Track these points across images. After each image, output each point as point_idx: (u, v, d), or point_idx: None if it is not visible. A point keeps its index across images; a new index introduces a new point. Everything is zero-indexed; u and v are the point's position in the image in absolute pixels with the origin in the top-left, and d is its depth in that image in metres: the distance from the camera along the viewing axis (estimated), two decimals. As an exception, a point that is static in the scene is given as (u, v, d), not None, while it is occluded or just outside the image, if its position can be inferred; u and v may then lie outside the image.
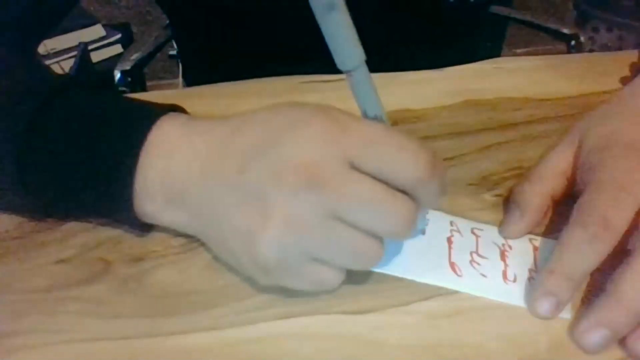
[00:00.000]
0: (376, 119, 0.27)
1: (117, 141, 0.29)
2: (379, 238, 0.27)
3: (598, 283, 0.28)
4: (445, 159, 0.38)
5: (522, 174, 0.37)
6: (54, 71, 0.34)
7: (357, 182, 0.25)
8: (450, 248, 0.32)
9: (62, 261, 0.31)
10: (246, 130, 0.28)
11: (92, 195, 0.30)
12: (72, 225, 0.33)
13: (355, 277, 0.30)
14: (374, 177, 0.26)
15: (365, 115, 0.27)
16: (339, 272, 0.27)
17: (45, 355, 0.27)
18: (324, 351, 0.27)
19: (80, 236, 0.33)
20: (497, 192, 0.36)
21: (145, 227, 0.32)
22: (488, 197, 0.35)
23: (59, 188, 0.30)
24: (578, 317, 0.28)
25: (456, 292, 0.29)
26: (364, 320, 0.28)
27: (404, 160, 0.26)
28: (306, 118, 0.27)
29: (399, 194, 0.26)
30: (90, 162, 0.29)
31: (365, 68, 0.26)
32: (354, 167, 0.25)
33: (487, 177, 0.37)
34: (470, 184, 0.36)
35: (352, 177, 0.25)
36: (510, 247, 0.32)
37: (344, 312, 0.28)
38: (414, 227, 0.26)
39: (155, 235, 0.33)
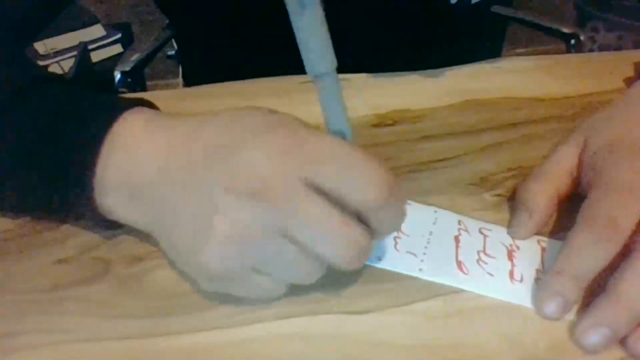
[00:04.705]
0: (339, 132, 0.26)
1: (80, 134, 0.29)
2: (322, 261, 0.26)
3: (599, 283, 0.28)
4: (444, 159, 0.38)
5: (522, 174, 0.37)
6: (40, 67, 0.34)
7: (307, 200, 0.24)
8: (457, 247, 0.32)
9: (62, 261, 0.31)
10: (208, 132, 0.27)
11: (54, 189, 0.30)
12: (72, 226, 0.33)
13: (355, 277, 0.30)
14: (329, 197, 0.24)
15: (328, 126, 0.26)
16: (281, 285, 0.27)
17: (45, 355, 0.27)
18: (324, 351, 0.27)
19: (80, 236, 0.33)
20: (497, 192, 0.36)
21: (109, 225, 0.31)
22: (488, 197, 0.35)
23: (22, 181, 0.30)
24: (578, 316, 0.28)
25: (456, 292, 0.29)
26: (364, 320, 0.28)
27: (360, 180, 0.24)
28: (267, 127, 0.26)
29: (353, 221, 0.25)
30: (52, 154, 0.29)
31: (335, 76, 0.25)
32: (309, 184, 0.24)
33: (487, 177, 0.37)
34: (470, 184, 0.36)
35: (302, 195, 0.24)
36: (517, 247, 0.32)
37: (344, 312, 0.28)
38: (365, 258, 0.25)
39: (155, 235, 0.33)
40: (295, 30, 0.23)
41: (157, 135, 0.29)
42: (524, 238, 0.32)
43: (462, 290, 0.30)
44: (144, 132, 0.29)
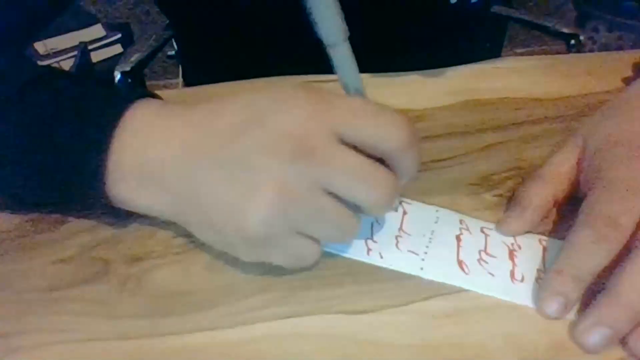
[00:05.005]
0: (357, 92, 0.29)
1: (90, 124, 0.29)
2: (357, 214, 0.28)
3: (599, 282, 0.28)
4: (445, 159, 0.38)
5: (522, 174, 0.37)
6: (38, 65, 0.35)
7: (343, 154, 0.26)
8: (459, 246, 0.32)
9: (62, 261, 0.31)
10: (228, 111, 0.28)
11: (65, 180, 0.30)
12: (72, 225, 0.33)
13: (355, 277, 0.30)
14: (357, 148, 0.27)
15: (346, 89, 0.29)
16: (318, 246, 0.28)
17: (45, 355, 0.27)
18: (324, 351, 0.27)
19: (80, 236, 0.33)
20: (497, 192, 0.36)
21: (120, 214, 0.31)
22: (488, 197, 0.35)
23: (32, 173, 0.30)
24: (579, 316, 0.28)
25: (456, 292, 0.29)
26: (364, 320, 0.28)
27: (386, 131, 0.27)
28: (290, 94, 0.27)
29: (382, 167, 0.27)
30: (62, 145, 0.29)
31: (347, 43, 0.27)
32: (338, 139, 0.26)
33: (487, 177, 0.37)
34: (470, 184, 0.36)
35: (338, 149, 0.26)
36: (519, 246, 0.32)
37: (344, 312, 0.28)
38: (394, 200, 0.28)
39: (155, 235, 0.33)
40: (310, 7, 0.25)
41: (171, 122, 0.29)
42: (513, 233, 0.32)
43: (462, 290, 0.30)
44: (156, 120, 0.29)
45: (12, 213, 0.34)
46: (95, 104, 0.30)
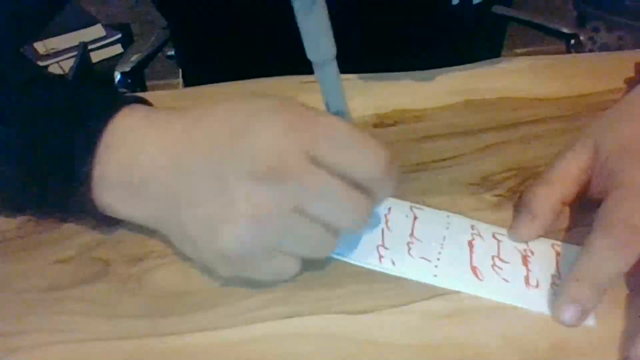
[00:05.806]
0: (338, 113, 0.28)
1: (76, 132, 0.29)
2: (334, 231, 0.28)
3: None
4: (445, 159, 0.38)
5: (522, 174, 0.37)
6: (35, 65, 0.35)
7: (318, 176, 0.26)
8: (471, 252, 0.32)
9: (62, 261, 0.31)
10: (210, 122, 0.28)
11: (51, 188, 0.30)
12: (72, 225, 0.33)
13: (355, 277, 0.30)
14: (333, 170, 0.26)
15: (328, 108, 0.28)
16: (297, 261, 0.28)
17: (45, 355, 0.27)
18: (324, 351, 0.27)
19: (80, 236, 0.33)
20: (497, 192, 0.36)
21: (108, 221, 0.31)
22: (488, 197, 0.35)
23: (17, 178, 0.30)
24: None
25: (456, 292, 0.29)
26: (364, 320, 0.28)
27: (363, 158, 0.27)
28: (270, 110, 0.27)
29: (356, 190, 0.27)
30: (48, 153, 0.29)
31: (334, 63, 0.26)
32: (314, 161, 0.26)
33: (487, 177, 0.37)
34: (470, 184, 0.36)
35: (311, 172, 0.26)
36: (532, 252, 0.32)
37: (344, 312, 0.28)
38: (367, 221, 0.28)
39: (155, 235, 0.33)
40: (300, 26, 0.25)
41: (156, 133, 0.29)
42: (525, 240, 0.32)
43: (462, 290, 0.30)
44: (141, 130, 0.29)
45: (7, 217, 0.34)
46: (79, 115, 0.30)
